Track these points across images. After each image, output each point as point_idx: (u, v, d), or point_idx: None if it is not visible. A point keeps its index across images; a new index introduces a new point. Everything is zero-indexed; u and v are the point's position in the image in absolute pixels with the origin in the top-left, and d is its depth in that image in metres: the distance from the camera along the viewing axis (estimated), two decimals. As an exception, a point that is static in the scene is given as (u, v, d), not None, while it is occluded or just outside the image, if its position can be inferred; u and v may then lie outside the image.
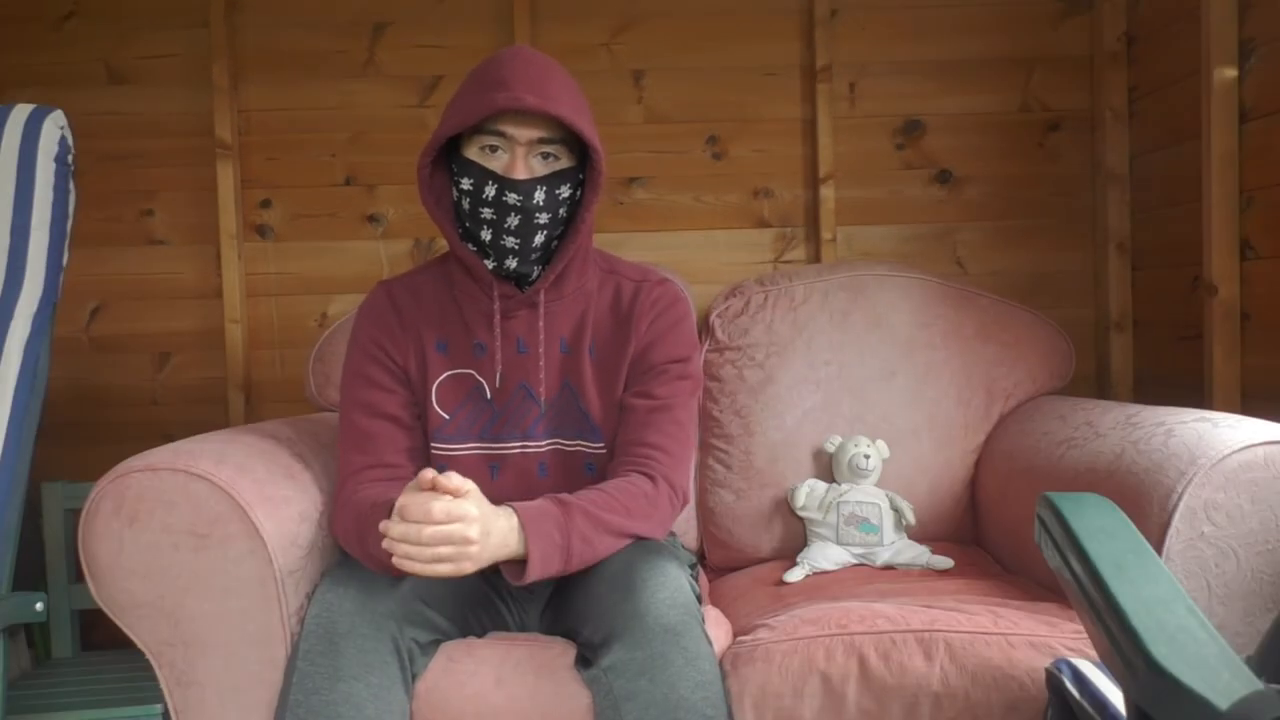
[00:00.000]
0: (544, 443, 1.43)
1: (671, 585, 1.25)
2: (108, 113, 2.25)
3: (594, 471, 1.43)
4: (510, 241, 1.35)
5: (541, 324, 1.41)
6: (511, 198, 1.32)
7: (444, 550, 1.15)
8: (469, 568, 1.18)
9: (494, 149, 1.33)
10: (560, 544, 1.25)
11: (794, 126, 2.26)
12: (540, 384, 1.42)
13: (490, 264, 1.38)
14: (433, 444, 1.43)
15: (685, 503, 1.43)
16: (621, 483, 1.35)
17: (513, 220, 1.33)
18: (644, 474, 1.37)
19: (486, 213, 1.34)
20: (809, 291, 1.94)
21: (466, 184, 1.34)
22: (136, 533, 1.25)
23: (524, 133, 1.32)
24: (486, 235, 1.35)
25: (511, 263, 1.37)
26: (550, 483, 1.42)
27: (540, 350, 1.41)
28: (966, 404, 1.87)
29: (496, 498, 1.28)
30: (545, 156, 1.34)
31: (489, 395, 1.43)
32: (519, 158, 1.32)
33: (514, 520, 1.23)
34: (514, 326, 1.42)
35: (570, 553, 1.26)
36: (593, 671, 1.23)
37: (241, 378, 2.25)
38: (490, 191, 1.33)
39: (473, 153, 1.34)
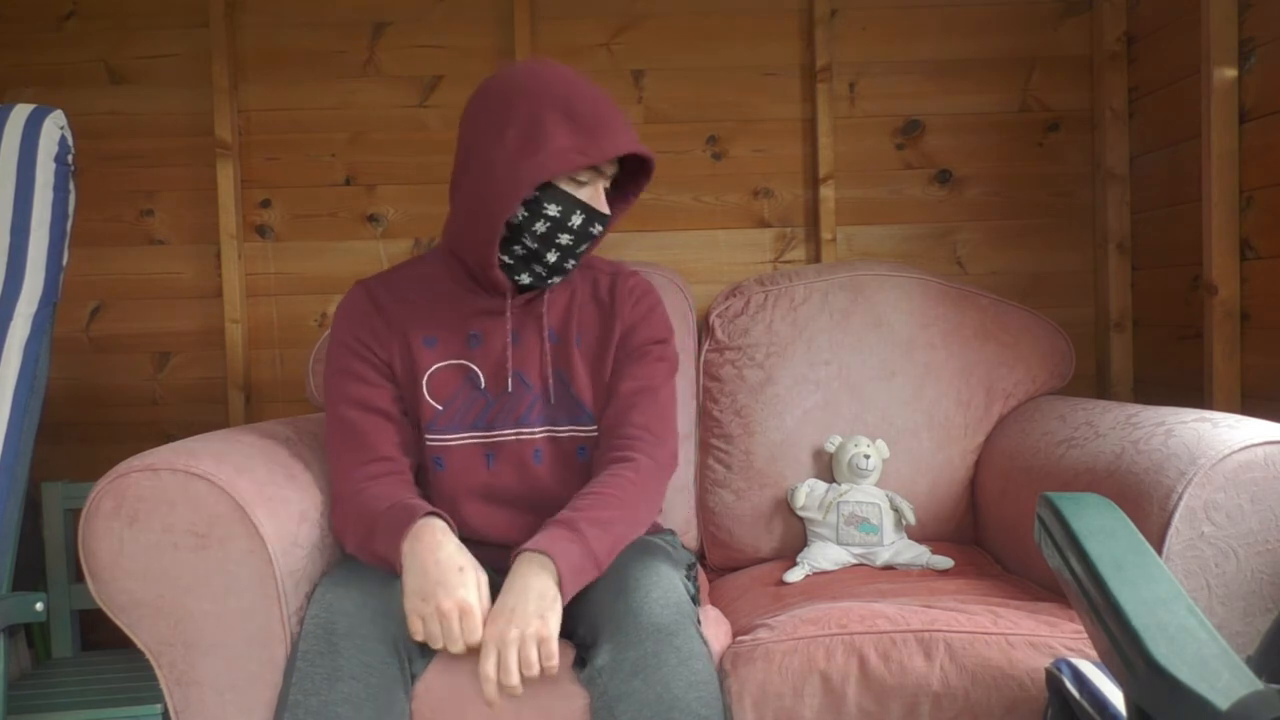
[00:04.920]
0: (538, 430, 1.45)
1: (664, 585, 1.26)
2: (108, 113, 2.26)
3: (586, 454, 1.47)
4: (570, 264, 1.43)
5: (538, 315, 1.46)
6: (597, 228, 1.42)
7: (531, 658, 1.17)
8: (551, 635, 1.19)
9: (581, 181, 1.39)
10: (584, 551, 1.25)
11: (794, 126, 2.26)
12: (534, 372, 1.45)
13: (525, 278, 1.43)
14: (427, 436, 1.44)
15: (674, 465, 1.47)
16: (605, 478, 1.37)
17: (583, 247, 1.42)
18: (622, 460, 1.39)
19: (564, 239, 1.40)
20: (809, 291, 1.94)
21: (553, 210, 1.37)
22: (136, 533, 1.25)
23: (610, 168, 1.40)
24: (552, 257, 1.41)
25: (554, 279, 1.44)
26: (545, 468, 1.44)
27: (534, 340, 1.45)
28: (966, 404, 1.87)
29: (492, 485, 1.36)
30: None
31: (483, 385, 1.45)
32: (601, 190, 1.40)
33: (528, 567, 1.22)
34: (509, 318, 1.44)
35: (597, 555, 1.27)
36: (587, 672, 1.23)
37: (241, 378, 2.25)
38: (576, 221, 1.39)
39: (563, 182, 1.38)
